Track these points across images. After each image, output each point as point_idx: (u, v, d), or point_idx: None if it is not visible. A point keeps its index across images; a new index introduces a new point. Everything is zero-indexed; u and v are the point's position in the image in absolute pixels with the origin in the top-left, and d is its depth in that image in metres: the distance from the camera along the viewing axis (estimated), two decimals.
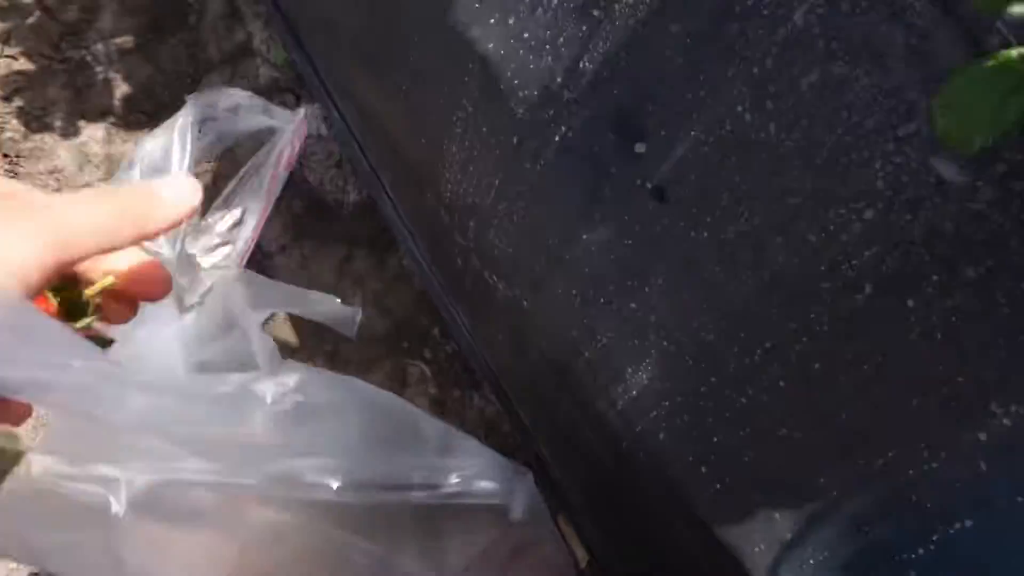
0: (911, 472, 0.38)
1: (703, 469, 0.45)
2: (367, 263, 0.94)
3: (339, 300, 0.48)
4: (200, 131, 0.51)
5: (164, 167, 0.50)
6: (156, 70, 1.03)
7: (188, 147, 0.50)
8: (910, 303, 0.36)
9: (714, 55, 0.39)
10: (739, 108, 0.39)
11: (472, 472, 0.48)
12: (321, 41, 0.78)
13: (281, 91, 1.00)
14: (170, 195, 0.28)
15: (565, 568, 0.60)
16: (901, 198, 0.35)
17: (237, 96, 0.53)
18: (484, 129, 0.51)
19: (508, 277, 0.55)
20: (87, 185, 0.96)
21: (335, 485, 0.41)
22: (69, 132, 0.99)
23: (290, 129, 0.53)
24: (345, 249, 0.94)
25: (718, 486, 0.44)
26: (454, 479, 0.47)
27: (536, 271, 0.51)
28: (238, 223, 0.52)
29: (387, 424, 0.46)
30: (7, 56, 1.01)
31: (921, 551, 0.38)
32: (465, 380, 0.88)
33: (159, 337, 0.45)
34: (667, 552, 0.53)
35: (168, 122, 0.53)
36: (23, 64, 1.00)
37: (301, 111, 0.53)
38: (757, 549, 0.44)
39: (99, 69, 1.02)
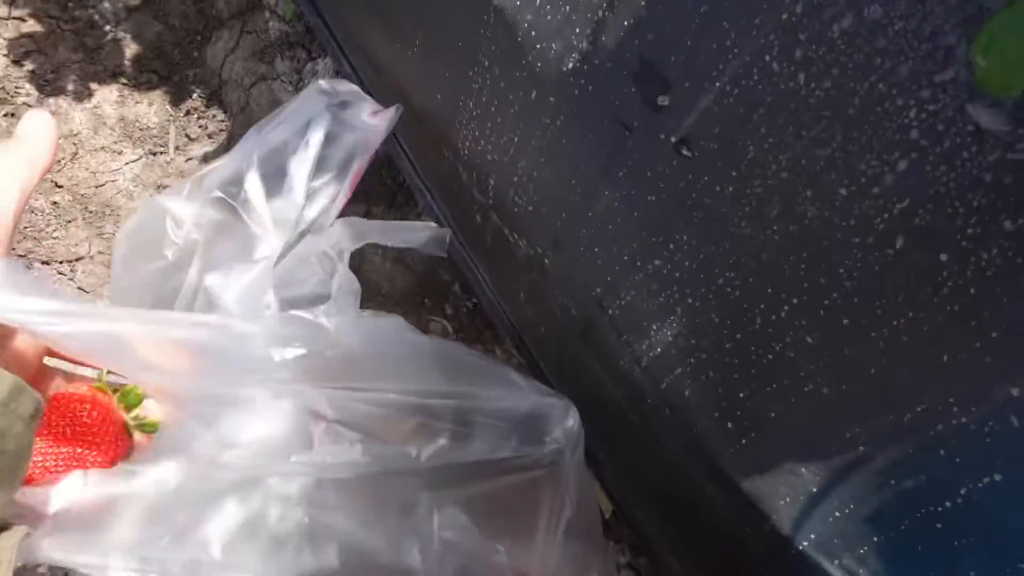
0: (940, 427, 0.37)
1: (729, 425, 0.45)
2: (386, 219, 0.94)
3: (432, 224, 0.52)
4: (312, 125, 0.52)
5: (281, 163, 0.50)
6: (165, 27, 1.02)
7: (315, 144, 0.51)
8: (943, 257, 0.35)
9: (741, 2, 0.37)
10: (766, 57, 0.37)
11: (515, 394, 0.49)
12: None
13: (291, 46, 0.99)
14: (33, 132, 0.36)
15: (593, 516, 0.61)
16: (936, 148, 0.33)
17: (346, 90, 0.53)
18: (501, 84, 0.50)
19: (529, 235, 0.55)
20: (104, 149, 0.96)
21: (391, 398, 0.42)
22: (82, 95, 0.98)
23: (386, 128, 0.53)
24: (363, 206, 0.93)
25: (743, 441, 0.45)
26: (498, 401, 0.48)
27: (558, 228, 0.51)
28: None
29: (435, 359, 0.48)
30: (15, 18, 1.00)
31: (948, 504, 0.38)
32: (487, 335, 0.88)
33: (249, 282, 0.47)
34: (691, 505, 0.53)
35: (288, 110, 0.52)
36: (32, 26, 0.99)
37: (394, 110, 0.54)
38: (783, 502, 0.44)
39: (107, 28, 1.01)
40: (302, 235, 0.50)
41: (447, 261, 0.89)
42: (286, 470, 0.38)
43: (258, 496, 0.37)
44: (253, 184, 0.50)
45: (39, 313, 0.29)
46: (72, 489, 0.33)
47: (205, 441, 0.36)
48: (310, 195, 0.51)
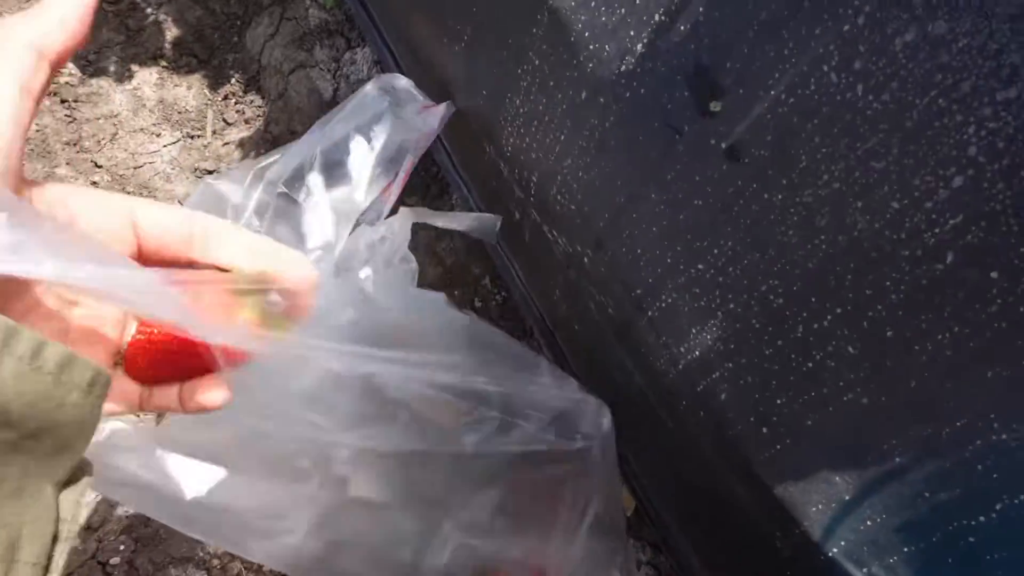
0: (979, 442, 0.38)
1: (764, 430, 0.45)
2: None
3: (483, 214, 0.55)
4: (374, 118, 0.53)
5: (342, 157, 0.52)
6: (205, 11, 1.03)
7: (378, 142, 0.52)
8: (994, 275, 0.35)
9: (801, 11, 0.38)
10: (825, 67, 0.38)
11: (552, 386, 0.51)
12: None
13: (331, 34, 1.00)
14: (55, 3, 0.28)
15: (618, 514, 0.62)
16: (995, 165, 0.34)
17: (402, 84, 0.55)
18: (550, 83, 0.50)
19: (570, 233, 0.55)
20: (143, 130, 0.97)
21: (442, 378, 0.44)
22: (123, 76, 0.99)
23: (439, 126, 0.55)
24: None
25: (778, 447, 0.45)
26: (537, 391, 0.50)
27: (600, 228, 0.51)
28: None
29: (476, 338, 0.49)
30: None
31: (982, 519, 0.39)
32: (516, 330, 0.89)
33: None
34: (720, 505, 0.54)
35: (351, 105, 0.53)
36: None
37: (444, 107, 0.56)
38: (815, 509, 0.44)
39: (149, 11, 1.02)
40: (355, 227, 0.52)
41: (478, 254, 0.90)
42: (346, 441, 0.39)
43: (315, 471, 0.38)
44: (316, 178, 0.51)
45: (92, 278, 0.26)
46: (138, 438, 0.34)
47: (267, 405, 0.36)
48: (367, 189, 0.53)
